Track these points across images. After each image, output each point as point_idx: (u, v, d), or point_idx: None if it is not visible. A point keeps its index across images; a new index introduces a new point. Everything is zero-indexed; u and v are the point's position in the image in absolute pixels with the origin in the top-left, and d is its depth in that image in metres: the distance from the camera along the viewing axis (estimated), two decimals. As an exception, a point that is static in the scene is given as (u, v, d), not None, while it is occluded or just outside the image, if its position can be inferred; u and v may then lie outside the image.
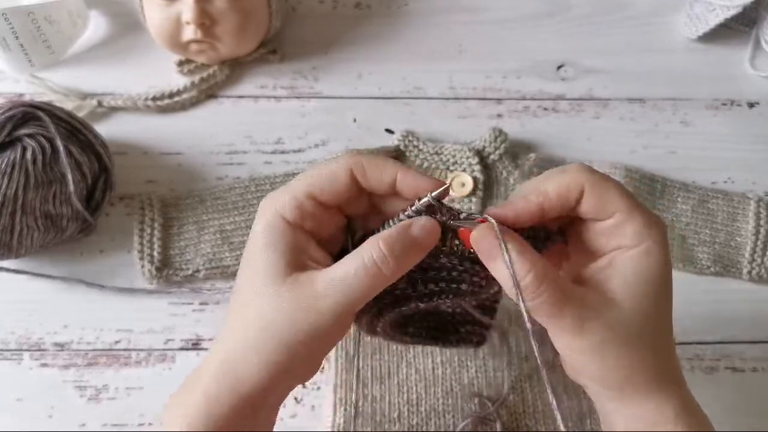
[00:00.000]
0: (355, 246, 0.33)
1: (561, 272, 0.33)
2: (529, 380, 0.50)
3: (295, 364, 0.32)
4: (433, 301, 0.35)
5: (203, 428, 0.32)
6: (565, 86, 0.63)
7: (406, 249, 0.32)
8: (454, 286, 0.34)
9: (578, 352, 0.33)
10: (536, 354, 0.32)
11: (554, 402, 0.32)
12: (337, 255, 0.34)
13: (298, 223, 0.33)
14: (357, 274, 0.31)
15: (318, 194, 0.33)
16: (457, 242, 0.34)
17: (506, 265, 0.31)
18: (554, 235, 0.36)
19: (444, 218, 0.33)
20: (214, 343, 0.34)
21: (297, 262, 0.32)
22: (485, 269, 0.33)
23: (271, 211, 0.33)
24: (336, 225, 0.35)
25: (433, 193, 0.32)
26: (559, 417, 0.32)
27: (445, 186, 0.33)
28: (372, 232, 0.34)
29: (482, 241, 0.32)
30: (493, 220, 0.32)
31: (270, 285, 0.32)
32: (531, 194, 0.33)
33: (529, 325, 0.32)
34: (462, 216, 0.33)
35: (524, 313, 0.31)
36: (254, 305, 0.32)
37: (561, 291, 0.32)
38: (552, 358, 0.50)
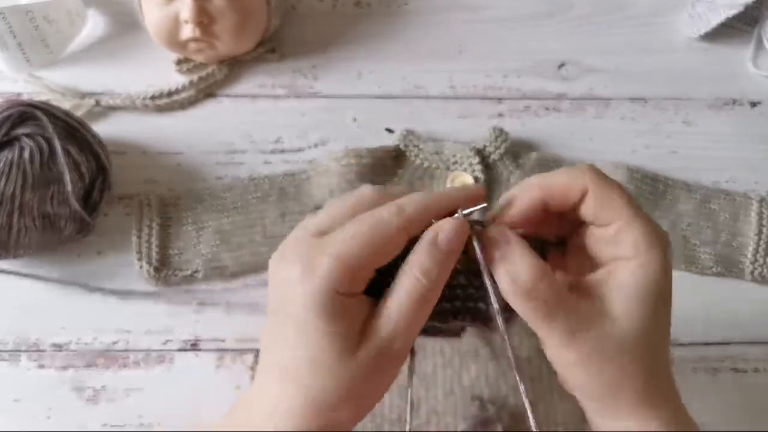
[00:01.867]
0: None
1: (558, 279, 0.33)
2: (530, 382, 0.50)
3: (370, 407, 0.33)
4: (450, 320, 0.34)
5: None
6: (566, 86, 0.63)
7: (440, 264, 0.31)
8: (471, 305, 0.34)
9: (566, 362, 0.32)
10: (510, 356, 0.31)
11: (528, 405, 0.31)
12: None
13: (354, 292, 0.31)
14: (409, 309, 0.31)
15: (378, 261, 0.31)
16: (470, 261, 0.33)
17: (510, 264, 0.31)
18: (551, 247, 0.35)
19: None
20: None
21: (361, 326, 0.31)
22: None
23: (322, 286, 0.30)
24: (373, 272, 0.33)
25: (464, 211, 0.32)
26: (531, 418, 0.32)
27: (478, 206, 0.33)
28: None
29: (491, 248, 0.32)
30: (469, 225, 0.32)
31: (342, 360, 0.30)
32: (534, 187, 0.33)
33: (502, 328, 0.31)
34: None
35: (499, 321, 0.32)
36: (326, 379, 0.31)
37: (555, 298, 0.31)
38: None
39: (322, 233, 0.31)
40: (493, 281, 0.32)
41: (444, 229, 0.31)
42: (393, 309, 0.31)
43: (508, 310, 0.33)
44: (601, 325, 0.31)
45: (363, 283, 0.31)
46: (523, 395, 0.32)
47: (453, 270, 0.32)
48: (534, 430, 0.32)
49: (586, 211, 0.33)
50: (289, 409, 0.31)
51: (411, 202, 0.32)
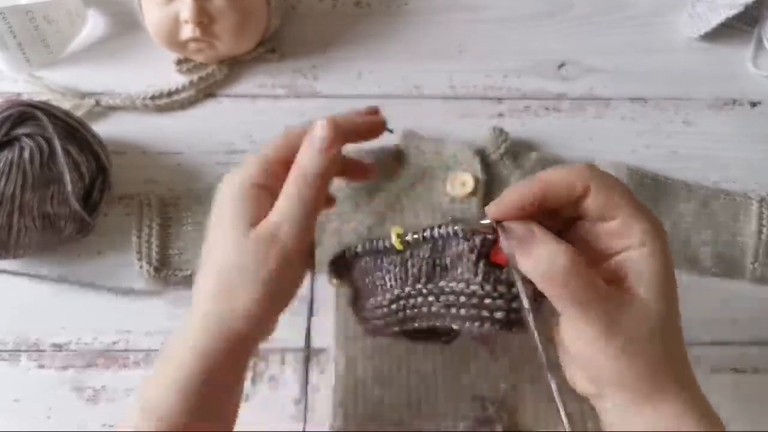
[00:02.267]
0: None
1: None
2: (530, 381, 0.50)
3: (274, 296, 0.36)
4: (465, 324, 0.34)
5: (197, 369, 0.35)
6: (566, 86, 0.63)
7: (316, 162, 0.36)
8: (487, 314, 0.34)
9: (601, 354, 0.32)
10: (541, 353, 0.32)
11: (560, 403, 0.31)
12: None
13: (263, 184, 0.37)
14: (291, 199, 0.36)
15: (280, 155, 0.38)
16: (487, 268, 0.34)
17: (543, 252, 0.32)
18: None
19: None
20: (192, 305, 0.37)
21: (263, 216, 0.36)
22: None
23: (238, 176, 0.37)
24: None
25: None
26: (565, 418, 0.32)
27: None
28: None
29: (509, 241, 0.33)
30: (495, 214, 0.33)
31: (243, 235, 0.36)
32: (536, 181, 0.34)
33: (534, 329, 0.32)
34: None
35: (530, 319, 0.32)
36: (229, 253, 0.36)
37: (590, 284, 0.32)
38: (554, 361, 0.50)
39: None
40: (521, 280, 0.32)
41: (317, 125, 0.37)
42: (280, 200, 0.36)
43: (518, 325, 0.34)
44: (637, 307, 0.32)
45: (275, 178, 0.37)
46: (556, 395, 0.32)
47: (464, 278, 0.33)
48: (567, 429, 0.32)
49: (590, 206, 0.33)
50: (204, 289, 0.37)
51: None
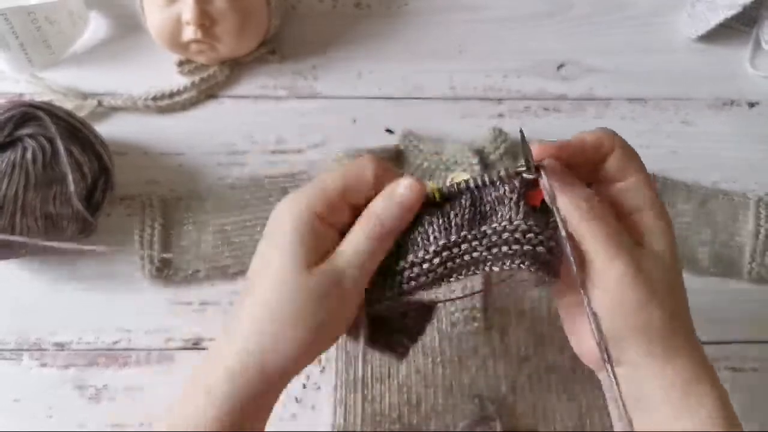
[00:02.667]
0: None
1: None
2: (529, 380, 0.50)
3: (324, 340, 0.36)
4: (506, 264, 0.35)
5: (227, 404, 0.34)
6: (566, 86, 0.63)
7: (392, 213, 0.35)
8: (530, 248, 0.35)
9: (628, 300, 0.33)
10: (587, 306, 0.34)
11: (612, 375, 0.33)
12: None
13: (325, 218, 0.35)
14: (360, 244, 0.35)
15: (349, 196, 0.36)
16: (527, 207, 0.35)
17: (581, 191, 0.34)
18: None
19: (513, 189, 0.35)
20: (227, 332, 0.35)
21: (323, 254, 0.35)
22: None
23: (302, 205, 0.35)
24: (350, 215, 0.37)
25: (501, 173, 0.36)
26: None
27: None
28: None
29: (551, 180, 0.34)
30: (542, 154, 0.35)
31: (300, 274, 0.34)
32: (573, 139, 0.36)
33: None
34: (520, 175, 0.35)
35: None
36: (283, 291, 0.34)
37: (619, 227, 0.34)
38: (553, 360, 0.51)
39: None
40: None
41: (401, 183, 0.35)
42: (348, 243, 0.35)
43: (554, 270, 0.35)
44: (655, 260, 0.34)
45: (339, 214, 0.35)
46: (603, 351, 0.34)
47: (508, 217, 0.35)
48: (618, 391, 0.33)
49: (611, 164, 0.36)
50: (248, 322, 0.34)
51: (386, 162, 0.37)
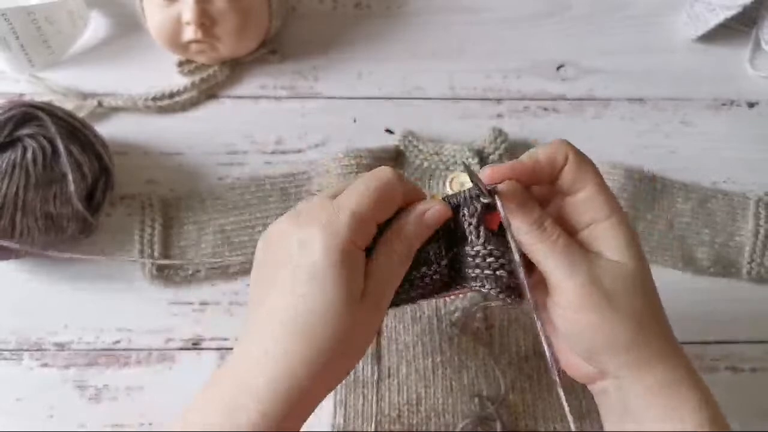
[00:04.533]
0: None
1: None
2: (529, 380, 0.50)
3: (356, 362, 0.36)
4: (472, 286, 0.36)
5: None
6: (566, 86, 0.63)
7: (422, 235, 0.36)
8: (490, 273, 0.35)
9: (591, 310, 0.34)
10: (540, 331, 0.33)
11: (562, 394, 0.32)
12: None
13: (360, 245, 0.34)
14: (395, 267, 0.35)
15: (379, 218, 0.35)
16: (489, 231, 0.36)
17: (532, 211, 0.34)
18: None
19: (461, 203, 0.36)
20: (261, 361, 0.34)
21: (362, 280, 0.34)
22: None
23: (340, 238, 0.33)
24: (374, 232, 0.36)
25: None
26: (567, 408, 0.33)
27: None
28: None
29: (505, 204, 0.34)
30: (492, 174, 0.35)
31: (353, 308, 0.33)
32: (525, 158, 0.36)
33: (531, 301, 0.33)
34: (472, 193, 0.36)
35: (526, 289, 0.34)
36: (338, 330, 0.33)
37: (572, 243, 0.35)
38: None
39: (333, 196, 0.35)
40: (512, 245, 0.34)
41: (434, 208, 0.36)
42: (383, 266, 0.35)
43: (518, 292, 0.35)
44: (613, 268, 0.34)
45: (370, 237, 0.35)
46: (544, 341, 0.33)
47: (470, 240, 0.36)
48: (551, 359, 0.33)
49: (565, 177, 0.36)
50: (302, 361, 0.33)
51: (404, 179, 0.37)
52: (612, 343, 0.34)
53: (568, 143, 0.36)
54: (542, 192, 0.38)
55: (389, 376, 0.50)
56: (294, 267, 0.33)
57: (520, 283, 0.34)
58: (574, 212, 0.36)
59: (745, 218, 0.57)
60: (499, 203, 0.34)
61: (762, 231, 0.56)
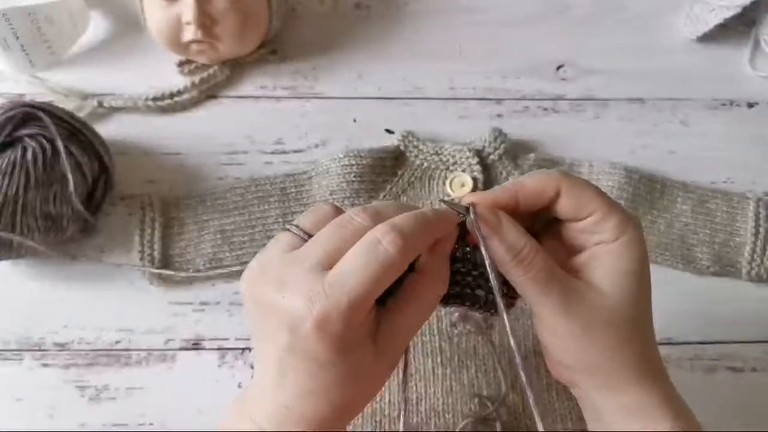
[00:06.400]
0: None
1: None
2: (529, 380, 0.50)
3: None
4: (450, 304, 0.37)
5: None
6: (565, 86, 0.63)
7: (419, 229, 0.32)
8: (469, 291, 0.36)
9: (564, 335, 0.34)
10: (512, 344, 0.32)
11: (532, 396, 0.32)
12: None
13: (362, 325, 0.31)
14: (422, 319, 0.34)
15: (380, 293, 0.31)
16: (468, 248, 0.36)
17: (507, 237, 0.33)
18: None
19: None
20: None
21: (370, 333, 0.33)
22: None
23: (335, 330, 0.30)
24: None
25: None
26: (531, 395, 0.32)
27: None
28: None
29: (478, 222, 0.33)
30: (473, 200, 0.34)
31: (356, 381, 0.32)
32: (509, 185, 0.35)
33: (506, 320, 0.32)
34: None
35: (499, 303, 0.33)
36: (333, 372, 0.32)
37: (551, 269, 0.33)
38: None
39: (322, 267, 0.31)
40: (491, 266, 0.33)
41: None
42: (409, 317, 0.33)
43: (505, 297, 0.34)
44: (592, 296, 0.34)
45: (370, 309, 0.32)
46: (521, 373, 0.33)
47: (452, 258, 0.35)
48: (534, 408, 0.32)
49: (564, 209, 0.35)
50: (319, 417, 0.32)
51: (407, 227, 0.31)
52: (584, 367, 0.35)
53: (562, 174, 0.35)
54: (528, 218, 0.37)
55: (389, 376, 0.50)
56: (292, 347, 0.31)
57: (497, 302, 0.33)
58: (579, 236, 0.35)
59: (745, 218, 0.57)
60: (472, 219, 0.33)
61: (762, 231, 0.56)
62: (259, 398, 0.33)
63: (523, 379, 0.32)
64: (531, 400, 0.31)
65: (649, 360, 0.35)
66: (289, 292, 0.30)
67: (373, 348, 0.32)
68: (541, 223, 0.37)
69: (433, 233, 0.33)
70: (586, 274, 0.35)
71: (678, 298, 0.55)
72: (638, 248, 0.34)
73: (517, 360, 0.32)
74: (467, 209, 0.34)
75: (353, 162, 0.56)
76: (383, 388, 0.50)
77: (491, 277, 0.33)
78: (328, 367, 0.31)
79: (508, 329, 0.32)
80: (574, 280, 0.34)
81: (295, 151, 0.60)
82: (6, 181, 0.49)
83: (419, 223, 0.32)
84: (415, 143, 0.58)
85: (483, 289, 0.36)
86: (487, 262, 0.33)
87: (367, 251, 0.30)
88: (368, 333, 0.32)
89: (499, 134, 0.58)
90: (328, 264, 0.31)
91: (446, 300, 0.36)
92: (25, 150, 0.50)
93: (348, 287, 0.30)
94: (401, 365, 0.36)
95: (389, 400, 0.49)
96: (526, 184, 0.35)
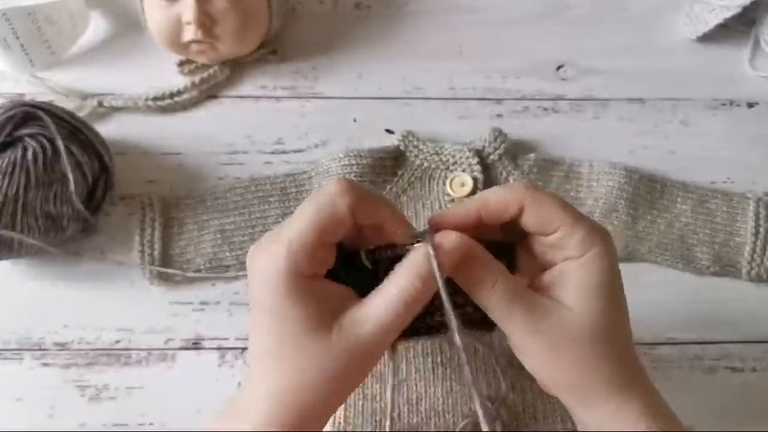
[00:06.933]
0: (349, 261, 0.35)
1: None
2: (529, 380, 0.50)
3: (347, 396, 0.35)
4: (442, 332, 0.36)
5: None
6: (565, 86, 0.63)
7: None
8: (459, 311, 0.34)
9: (533, 354, 0.34)
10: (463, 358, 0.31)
11: (476, 395, 0.31)
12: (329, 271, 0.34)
13: (315, 272, 0.33)
14: (398, 310, 0.32)
15: (326, 239, 0.32)
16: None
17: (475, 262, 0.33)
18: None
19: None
20: (238, 412, 0.34)
21: (332, 310, 0.33)
22: None
23: (280, 269, 0.31)
24: (331, 252, 0.34)
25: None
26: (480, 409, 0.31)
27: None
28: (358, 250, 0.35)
29: (431, 250, 0.32)
30: (434, 225, 0.34)
31: (317, 338, 0.32)
32: (472, 202, 0.35)
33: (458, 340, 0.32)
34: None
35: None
36: (301, 359, 0.32)
37: (513, 292, 0.33)
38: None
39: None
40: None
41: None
42: (382, 305, 0.32)
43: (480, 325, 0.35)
44: (558, 314, 0.33)
45: (322, 264, 0.33)
46: (476, 397, 0.31)
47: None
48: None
49: (526, 223, 0.34)
50: (270, 393, 0.32)
51: (358, 184, 0.33)
52: (558, 384, 0.35)
53: (527, 188, 0.34)
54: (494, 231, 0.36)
55: (389, 375, 0.50)
56: (258, 304, 0.33)
57: (452, 328, 0.32)
58: (546, 251, 0.35)
59: (745, 218, 0.57)
60: (427, 245, 0.32)
61: (762, 231, 0.56)
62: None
63: (481, 415, 0.30)
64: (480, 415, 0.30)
65: (627, 372, 0.35)
66: (258, 250, 0.33)
67: (332, 322, 0.32)
68: (519, 233, 0.36)
69: (384, 203, 0.34)
70: (555, 291, 0.34)
71: (678, 298, 0.55)
72: (607, 261, 0.34)
73: (474, 394, 0.31)
74: (423, 233, 0.33)
75: (353, 162, 0.56)
76: (383, 388, 0.50)
77: (444, 301, 0.32)
78: (282, 319, 0.32)
79: (461, 349, 0.31)
80: (541, 298, 0.34)
81: (295, 151, 0.60)
82: (6, 181, 0.49)
83: (370, 189, 0.34)
84: (415, 143, 0.58)
85: (471, 306, 0.35)
86: (441, 292, 0.32)
87: (311, 197, 0.33)
88: (324, 299, 0.32)
89: (499, 134, 0.58)
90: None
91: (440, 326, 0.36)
92: (25, 150, 0.50)
93: (292, 229, 0.32)
94: (390, 371, 0.37)
95: (389, 400, 0.49)
96: (489, 200, 0.35)
